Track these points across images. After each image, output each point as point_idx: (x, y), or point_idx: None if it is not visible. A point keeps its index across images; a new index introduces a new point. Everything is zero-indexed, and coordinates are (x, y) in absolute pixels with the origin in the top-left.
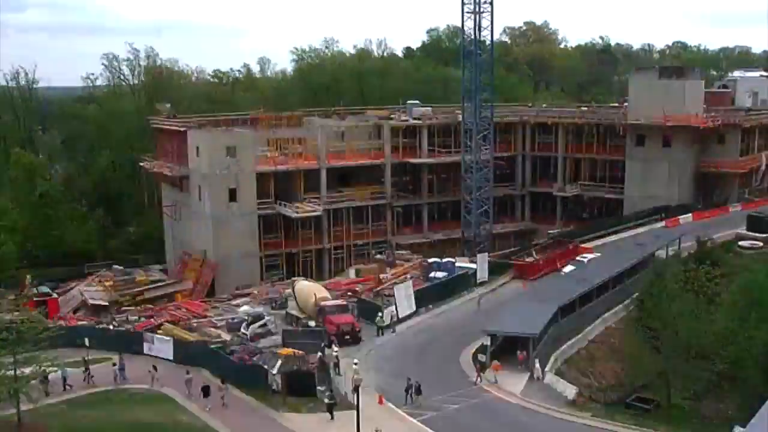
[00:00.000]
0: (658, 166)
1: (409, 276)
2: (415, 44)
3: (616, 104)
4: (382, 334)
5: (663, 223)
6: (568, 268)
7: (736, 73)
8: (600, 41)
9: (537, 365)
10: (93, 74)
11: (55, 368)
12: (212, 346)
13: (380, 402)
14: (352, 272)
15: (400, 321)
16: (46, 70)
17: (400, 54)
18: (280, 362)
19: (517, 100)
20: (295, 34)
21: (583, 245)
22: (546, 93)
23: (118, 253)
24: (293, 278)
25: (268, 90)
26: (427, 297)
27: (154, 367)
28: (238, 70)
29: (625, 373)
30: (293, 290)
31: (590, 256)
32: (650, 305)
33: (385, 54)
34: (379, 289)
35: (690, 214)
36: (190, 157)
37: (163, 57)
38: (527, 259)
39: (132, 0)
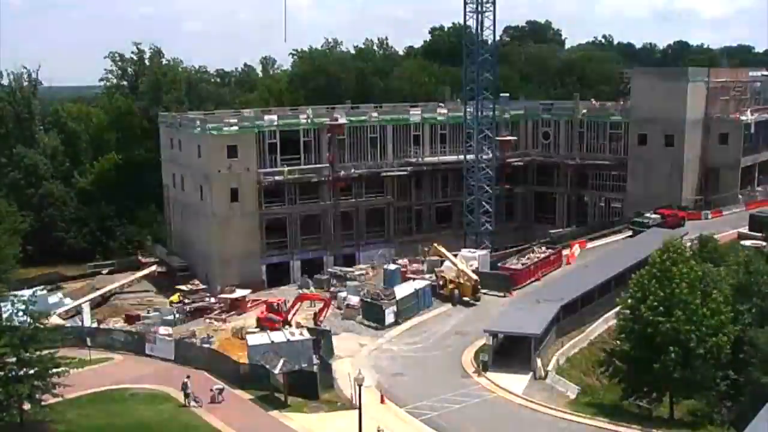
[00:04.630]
0: (659, 165)
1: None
2: (417, 43)
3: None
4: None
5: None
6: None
7: None
8: (603, 40)
9: (539, 365)
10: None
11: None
12: None
13: (382, 401)
14: None
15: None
16: (48, 68)
17: (401, 53)
18: (282, 362)
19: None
20: (296, 34)
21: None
22: (549, 91)
23: (119, 253)
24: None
25: (269, 90)
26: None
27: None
28: (241, 70)
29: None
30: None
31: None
32: (648, 306)
33: (386, 53)
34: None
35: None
36: (192, 157)
37: (168, 56)
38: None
39: None
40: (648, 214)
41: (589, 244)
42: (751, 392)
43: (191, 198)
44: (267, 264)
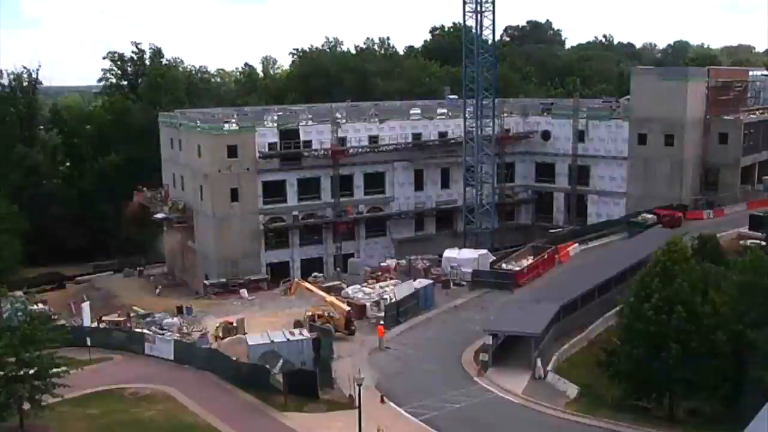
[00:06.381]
0: (659, 164)
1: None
2: (417, 43)
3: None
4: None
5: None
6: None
7: None
8: (603, 39)
9: (539, 364)
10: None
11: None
12: None
13: (382, 401)
14: None
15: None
16: (48, 68)
17: (401, 53)
18: (282, 362)
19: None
20: (297, 34)
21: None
22: (549, 90)
23: (119, 253)
24: None
25: (269, 90)
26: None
27: None
28: (242, 69)
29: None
30: None
31: None
32: (652, 305)
33: (387, 53)
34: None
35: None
36: (192, 157)
37: (168, 56)
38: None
39: None
40: (644, 215)
41: (588, 245)
42: (751, 392)
43: (191, 198)
44: (268, 263)
